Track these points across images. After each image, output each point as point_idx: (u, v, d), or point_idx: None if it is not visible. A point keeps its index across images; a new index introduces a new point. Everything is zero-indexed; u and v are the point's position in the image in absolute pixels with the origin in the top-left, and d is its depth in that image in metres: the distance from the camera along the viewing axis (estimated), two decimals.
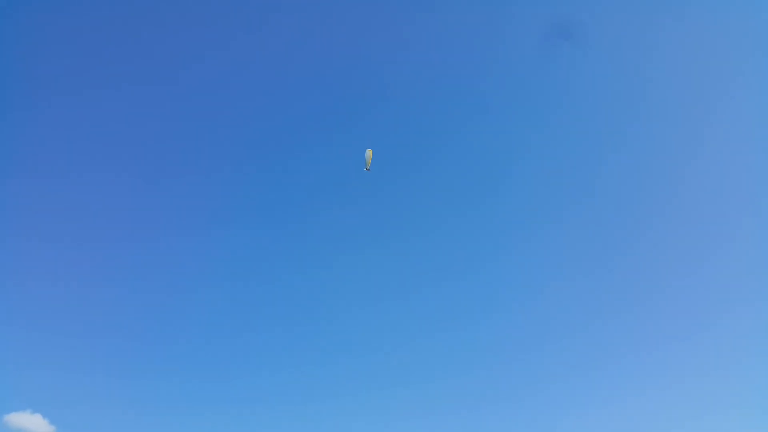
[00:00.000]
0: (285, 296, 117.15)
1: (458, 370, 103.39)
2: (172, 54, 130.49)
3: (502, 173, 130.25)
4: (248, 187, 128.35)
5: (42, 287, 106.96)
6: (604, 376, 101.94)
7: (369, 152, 76.72)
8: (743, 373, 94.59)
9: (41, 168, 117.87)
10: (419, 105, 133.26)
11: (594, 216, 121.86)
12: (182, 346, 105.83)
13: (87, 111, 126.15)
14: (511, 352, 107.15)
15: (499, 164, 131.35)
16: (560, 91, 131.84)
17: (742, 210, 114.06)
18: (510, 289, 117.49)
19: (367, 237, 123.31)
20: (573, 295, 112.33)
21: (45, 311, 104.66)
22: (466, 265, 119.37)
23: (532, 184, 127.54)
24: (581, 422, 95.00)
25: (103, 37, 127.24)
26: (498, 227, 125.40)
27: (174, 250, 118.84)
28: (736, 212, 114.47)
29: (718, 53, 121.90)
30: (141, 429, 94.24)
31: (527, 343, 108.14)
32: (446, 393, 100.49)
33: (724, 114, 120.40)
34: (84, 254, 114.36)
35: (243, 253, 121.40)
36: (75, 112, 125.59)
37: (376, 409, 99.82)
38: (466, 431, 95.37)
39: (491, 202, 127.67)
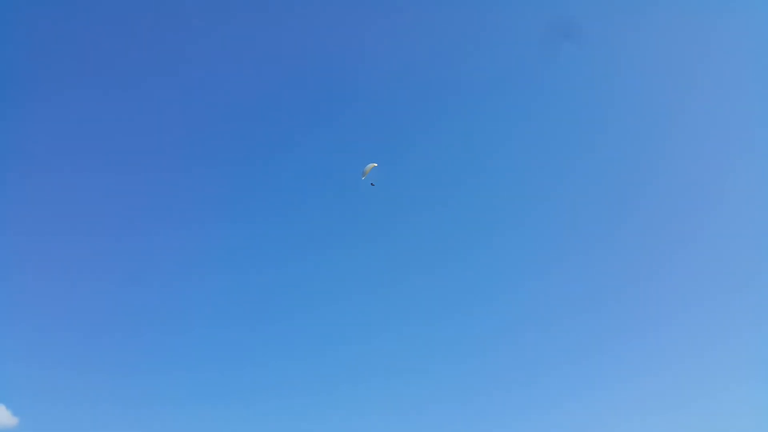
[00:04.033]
0: (272, 291, 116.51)
1: (448, 362, 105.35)
2: (166, 52, 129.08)
3: (497, 169, 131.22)
4: (242, 183, 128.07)
5: (11, 280, 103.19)
6: (592, 367, 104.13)
7: (371, 165, 74.38)
8: (734, 363, 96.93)
9: (32, 163, 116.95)
10: (414, 102, 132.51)
11: (588, 212, 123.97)
12: (150, 342, 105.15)
13: (82, 108, 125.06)
14: (501, 344, 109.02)
15: (496, 161, 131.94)
16: (558, 90, 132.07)
17: (736, 205, 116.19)
18: (500, 281, 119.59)
19: (359, 229, 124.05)
20: (563, 287, 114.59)
21: (11, 304, 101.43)
22: (457, 257, 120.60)
23: (524, 179, 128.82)
24: (570, 413, 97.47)
25: (100, 34, 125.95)
26: (491, 223, 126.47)
27: (151, 245, 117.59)
28: (731, 208, 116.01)
29: (715, 52, 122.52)
30: (103, 424, 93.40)
31: (517, 334, 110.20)
32: (437, 384, 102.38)
33: (721, 112, 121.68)
34: (55, 250, 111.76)
35: (227, 248, 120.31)
36: (70, 108, 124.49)
37: (368, 401, 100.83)
38: (458, 422, 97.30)
39: (481, 197, 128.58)
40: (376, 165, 74.16)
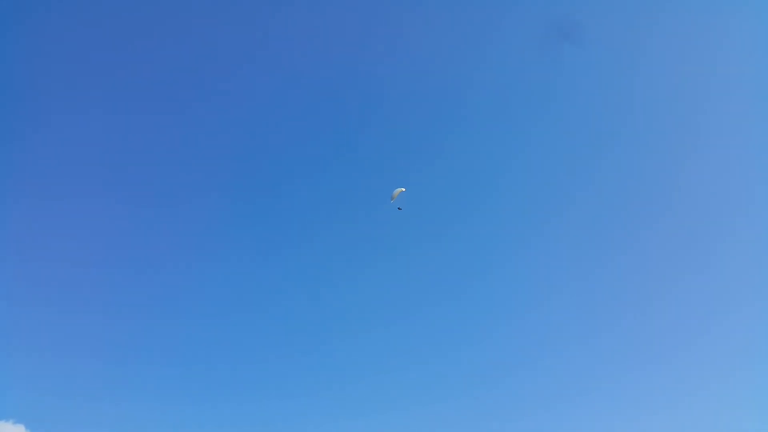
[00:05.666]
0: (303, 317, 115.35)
1: (464, 386, 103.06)
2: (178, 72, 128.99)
3: (503, 175, 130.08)
4: (263, 200, 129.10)
5: (29, 301, 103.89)
6: (613, 386, 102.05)
7: (399, 190, 73.37)
8: (747, 376, 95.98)
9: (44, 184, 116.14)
10: (415, 107, 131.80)
11: (594, 218, 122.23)
12: (169, 366, 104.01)
13: (89, 125, 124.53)
14: (519, 366, 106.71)
15: (500, 165, 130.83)
16: (559, 91, 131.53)
17: (741, 209, 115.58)
18: (515, 298, 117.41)
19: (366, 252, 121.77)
20: (573, 301, 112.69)
21: (31, 324, 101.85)
22: (466, 275, 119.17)
23: (533, 188, 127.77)
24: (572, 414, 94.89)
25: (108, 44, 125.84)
26: (499, 231, 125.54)
27: (182, 283, 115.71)
28: (736, 211, 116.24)
29: (716, 53, 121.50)
30: None
31: (534, 356, 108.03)
32: (453, 409, 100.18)
33: (722, 113, 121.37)
34: (71, 271, 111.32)
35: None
36: (76, 124, 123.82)
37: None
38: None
39: (492, 206, 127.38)
40: (404, 190, 72.93)
